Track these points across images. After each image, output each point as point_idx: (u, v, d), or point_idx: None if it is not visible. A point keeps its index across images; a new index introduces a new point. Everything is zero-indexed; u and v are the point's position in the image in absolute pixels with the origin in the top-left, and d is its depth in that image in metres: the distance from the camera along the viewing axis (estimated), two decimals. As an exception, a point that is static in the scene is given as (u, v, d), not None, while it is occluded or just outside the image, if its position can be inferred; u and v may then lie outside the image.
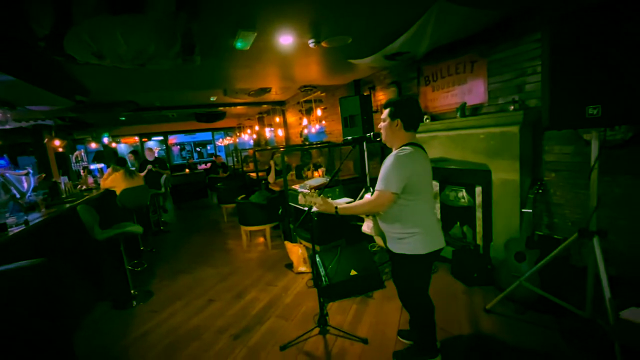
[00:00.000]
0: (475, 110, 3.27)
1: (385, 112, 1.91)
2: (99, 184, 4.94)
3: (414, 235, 1.81)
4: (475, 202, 3.39)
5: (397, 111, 1.85)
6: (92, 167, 7.26)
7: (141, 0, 1.64)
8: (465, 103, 3.24)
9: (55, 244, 3.07)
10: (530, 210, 2.67)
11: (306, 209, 2.19)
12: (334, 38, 2.78)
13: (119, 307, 3.24)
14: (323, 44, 2.90)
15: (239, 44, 2.66)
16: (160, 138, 15.17)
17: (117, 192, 4.54)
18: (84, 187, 4.84)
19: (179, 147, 19.61)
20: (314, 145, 5.98)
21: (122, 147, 13.68)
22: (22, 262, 1.75)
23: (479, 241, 3.39)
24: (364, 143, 4.40)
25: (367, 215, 2.04)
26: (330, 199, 1.98)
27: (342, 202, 2.10)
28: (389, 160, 1.78)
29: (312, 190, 1.97)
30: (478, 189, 3.34)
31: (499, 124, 2.85)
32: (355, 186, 4.23)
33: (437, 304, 2.06)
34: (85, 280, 3.42)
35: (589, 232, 1.90)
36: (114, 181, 4.61)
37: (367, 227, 2.14)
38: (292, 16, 2.36)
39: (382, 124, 1.93)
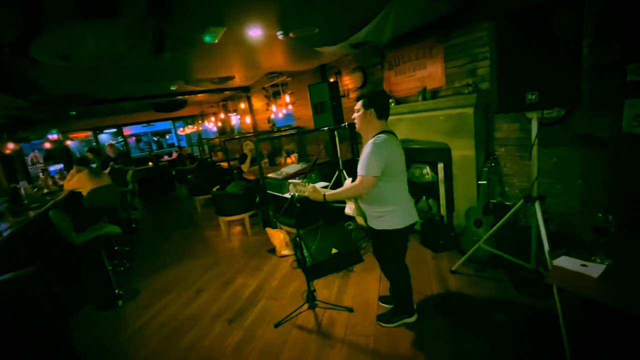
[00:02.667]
0: (435, 93, 3.55)
1: (359, 103, 2.09)
2: (61, 186, 4.71)
3: (392, 212, 2.05)
4: (438, 177, 3.74)
5: (370, 102, 2.03)
6: (50, 168, 6.77)
7: (114, 4, 1.63)
8: (425, 87, 3.51)
9: (32, 253, 2.99)
10: (485, 182, 3.04)
11: (288, 196, 2.35)
12: (301, 29, 2.87)
13: (105, 308, 3.25)
14: (291, 34, 2.97)
15: (207, 38, 2.67)
16: (114, 130, 14.26)
17: (84, 193, 4.38)
18: (46, 190, 4.59)
19: (134, 138, 18.57)
20: (287, 132, 6.06)
21: (73, 144, 12.71)
22: (16, 272, 1.76)
23: (443, 212, 3.78)
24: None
25: (349, 199, 2.25)
26: (308, 184, 2.15)
27: (324, 189, 2.29)
28: (367, 148, 1.98)
29: (303, 180, 2.13)
30: (440, 166, 3.67)
31: (457, 105, 3.15)
32: (329, 170, 4.44)
33: (410, 269, 2.36)
34: (66, 286, 3.37)
35: (532, 197, 2.26)
36: (79, 182, 4.42)
37: (349, 209, 2.36)
38: (261, 10, 2.42)
39: (356, 114, 2.12)
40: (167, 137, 19.68)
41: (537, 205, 2.22)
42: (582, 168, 2.50)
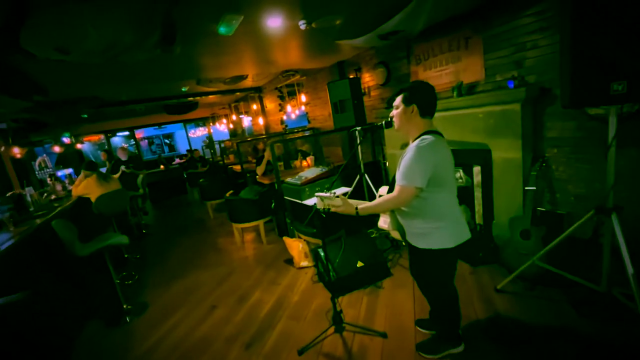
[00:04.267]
0: (471, 88, 3.19)
1: (399, 98, 1.77)
2: (70, 192, 4.52)
3: (439, 229, 1.72)
4: (474, 182, 3.38)
5: (411, 96, 1.72)
6: (59, 173, 6.64)
7: (114, -19, 1.37)
8: (462, 82, 3.15)
9: (33, 266, 2.76)
10: (534, 188, 2.67)
11: (310, 203, 2.05)
12: (325, 18, 2.57)
13: (113, 325, 3.00)
14: (313, 24, 2.67)
15: (222, 29, 2.39)
16: (127, 133, 14.26)
17: (92, 199, 4.17)
18: (53, 196, 4.40)
19: (147, 141, 18.62)
20: (303, 133, 5.77)
21: (86, 146, 12.72)
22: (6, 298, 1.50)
23: (479, 220, 3.41)
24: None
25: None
26: (331, 192, 1.83)
27: (354, 200, 1.98)
28: (410, 152, 1.66)
29: (332, 193, 1.81)
30: (476, 169, 3.32)
31: (499, 101, 2.80)
32: (347, 173, 4.11)
33: (451, 289, 2.01)
34: (72, 301, 3.14)
35: (606, 209, 1.90)
36: (87, 188, 4.22)
37: (383, 222, 2.04)
38: (284, -5, 2.13)
39: (395, 112, 1.80)
40: (176, 139, 19.68)
41: (614, 218, 1.85)
42: (660, 172, 2.12)
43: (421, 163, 1.61)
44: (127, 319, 3.06)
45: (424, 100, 1.72)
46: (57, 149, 7.31)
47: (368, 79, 4.58)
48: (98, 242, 3.02)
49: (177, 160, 10.99)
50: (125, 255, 4.63)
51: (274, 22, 2.48)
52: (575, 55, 1.64)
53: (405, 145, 4.12)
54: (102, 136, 12.83)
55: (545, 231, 2.61)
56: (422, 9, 2.43)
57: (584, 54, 1.62)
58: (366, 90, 4.60)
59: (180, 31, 2.23)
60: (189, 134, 15.58)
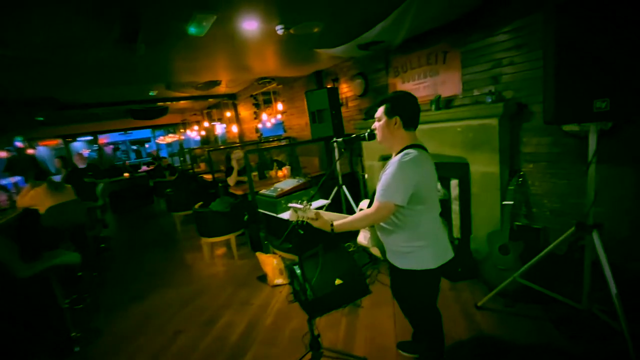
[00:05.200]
0: (449, 102, 3.19)
1: (381, 110, 1.67)
2: (15, 202, 4.04)
3: (422, 248, 1.62)
4: (451, 195, 3.36)
5: (394, 108, 1.62)
6: (4, 182, 5.98)
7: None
8: (440, 95, 3.14)
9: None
10: (512, 202, 2.67)
11: (286, 217, 1.88)
12: (304, 24, 2.45)
13: (58, 357, 2.63)
14: (291, 30, 2.55)
15: (192, 29, 2.20)
16: (89, 138, 13.37)
17: (41, 211, 3.74)
18: (-6, 208, 3.91)
19: (112, 147, 17.60)
20: (280, 143, 5.59)
21: (43, 152, 11.74)
22: None
23: (457, 234, 3.39)
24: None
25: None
26: (304, 203, 1.68)
27: (330, 212, 1.84)
28: (391, 167, 1.55)
29: (307, 204, 1.66)
30: (454, 182, 3.30)
31: (478, 116, 2.79)
32: (324, 185, 3.98)
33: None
34: (8, 333, 2.72)
35: (587, 226, 1.88)
36: (34, 198, 3.78)
37: (363, 237, 1.92)
38: (261, -4, 1.99)
39: (377, 124, 1.69)
40: (146, 145, 18.81)
41: (595, 235, 1.84)
42: (635, 188, 2.16)
43: (402, 179, 1.51)
44: (76, 349, 2.70)
45: (407, 111, 1.62)
46: (2, 154, 6.60)
47: (346, 89, 4.52)
48: (44, 261, 2.66)
49: (144, 168, 10.39)
50: (79, 274, 4.17)
51: (250, 25, 2.33)
52: (558, 72, 1.63)
53: (385, 158, 4.10)
54: (60, 141, 11.90)
55: (523, 246, 2.60)
56: (405, 18, 2.38)
57: (568, 71, 1.61)
58: (344, 100, 4.53)
59: (146, 29, 2.02)
60: (158, 141, 14.89)
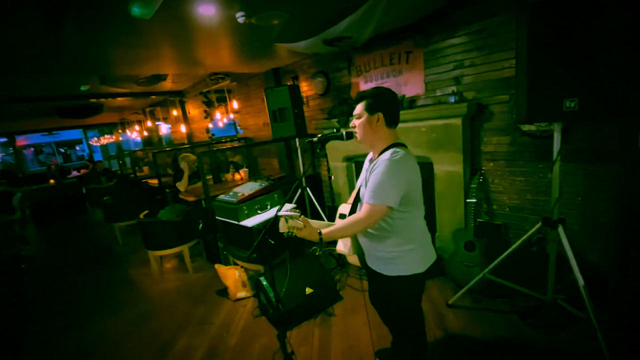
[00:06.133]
0: (412, 102, 3.21)
1: (360, 106, 1.54)
2: None
3: (410, 252, 1.53)
4: (416, 195, 3.39)
5: (376, 104, 1.50)
6: None
7: None
8: (404, 95, 3.14)
9: None
10: (475, 200, 2.73)
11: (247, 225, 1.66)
12: (269, 13, 2.25)
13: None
14: (253, 20, 2.32)
15: (136, 10, 1.87)
16: (4, 140, 11.54)
17: None
18: None
19: (33, 149, 15.41)
20: (237, 144, 5.24)
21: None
22: None
23: (422, 233, 3.43)
24: (297, 140, 4.00)
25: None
26: (296, 211, 1.50)
27: (316, 221, 1.67)
28: (381, 167, 1.43)
29: (297, 212, 1.47)
30: (418, 182, 3.33)
31: (442, 116, 2.83)
32: (286, 188, 3.79)
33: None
34: None
35: (552, 221, 1.96)
36: None
37: (343, 245, 1.77)
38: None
39: (357, 121, 1.56)
40: (77, 148, 16.78)
41: (560, 230, 1.92)
42: (583, 185, 2.32)
43: (395, 179, 1.41)
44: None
45: (389, 108, 1.52)
46: None
47: (306, 88, 4.37)
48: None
49: (75, 173, 9.16)
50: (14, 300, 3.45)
51: (207, 10, 2.06)
52: (530, 72, 1.65)
53: (349, 159, 4.03)
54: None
55: (487, 242, 2.68)
56: (374, 13, 2.30)
57: (539, 71, 1.64)
58: (305, 100, 4.37)
59: (75, 6, 1.66)
60: (91, 142, 13.33)
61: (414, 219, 1.54)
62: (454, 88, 2.84)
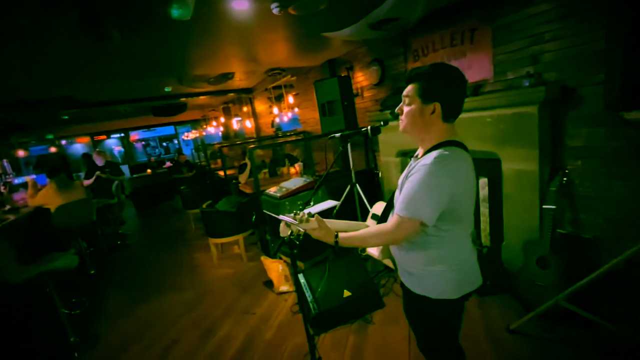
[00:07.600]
0: (477, 88, 2.75)
1: (411, 88, 1.19)
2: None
3: (442, 273, 1.24)
4: (479, 196, 2.94)
5: (433, 89, 1.15)
6: (16, 181, 6.14)
7: None
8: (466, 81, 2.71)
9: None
10: (554, 207, 2.22)
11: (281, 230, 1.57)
12: (305, 1, 2.13)
13: (57, 363, 2.55)
14: (290, 10, 2.23)
15: (175, 12, 1.95)
16: (121, 135, 13.93)
17: (52, 210, 3.73)
18: (8, 207, 3.95)
19: (142, 143, 18.21)
20: (289, 138, 5.32)
21: (78, 147, 12.32)
22: None
23: (485, 241, 2.97)
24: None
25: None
26: (309, 215, 1.34)
27: (334, 220, 1.52)
28: (419, 173, 1.14)
29: (303, 215, 1.34)
30: (482, 181, 2.88)
31: (512, 103, 2.36)
32: (336, 184, 3.65)
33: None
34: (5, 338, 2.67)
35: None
36: (45, 197, 3.77)
37: (374, 249, 1.58)
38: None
39: (405, 108, 1.23)
40: (174, 141, 19.31)
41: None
42: None
43: (434, 191, 1.12)
44: (75, 354, 2.61)
45: (451, 96, 1.17)
46: (21, 153, 6.81)
47: (361, 78, 4.14)
48: (38, 265, 2.57)
49: (168, 164, 10.54)
50: (92, 272, 4.16)
51: (240, 4, 2.04)
52: (627, 46, 1.20)
53: (404, 153, 3.70)
54: (94, 138, 12.47)
55: (567, 260, 2.16)
56: (420, -10, 1.99)
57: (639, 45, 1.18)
58: (359, 90, 4.16)
59: (117, 13, 1.79)
60: (182, 137, 15.17)
61: (454, 237, 1.23)
62: (530, 69, 2.33)
